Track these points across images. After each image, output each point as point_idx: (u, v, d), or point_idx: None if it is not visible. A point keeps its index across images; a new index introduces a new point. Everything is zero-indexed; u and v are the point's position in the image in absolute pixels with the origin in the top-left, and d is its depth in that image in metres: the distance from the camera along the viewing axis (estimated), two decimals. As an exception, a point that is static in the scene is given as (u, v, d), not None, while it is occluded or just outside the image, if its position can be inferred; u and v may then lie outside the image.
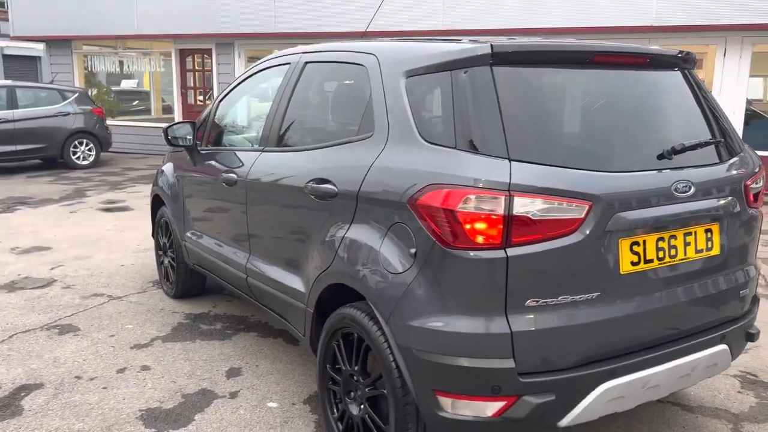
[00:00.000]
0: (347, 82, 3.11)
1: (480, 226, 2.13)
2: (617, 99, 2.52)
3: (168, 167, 4.71)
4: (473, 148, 2.22)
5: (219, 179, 3.74)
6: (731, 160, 2.65)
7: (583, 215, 2.18)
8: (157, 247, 5.07)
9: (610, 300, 2.29)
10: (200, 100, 14.49)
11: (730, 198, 2.56)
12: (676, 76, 2.71)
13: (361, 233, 2.55)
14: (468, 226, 2.14)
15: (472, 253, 2.15)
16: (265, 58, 3.77)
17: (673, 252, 2.41)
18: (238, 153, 3.72)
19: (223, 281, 4.03)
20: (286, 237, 3.12)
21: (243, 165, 3.51)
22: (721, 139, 2.65)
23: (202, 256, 4.15)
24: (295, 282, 3.06)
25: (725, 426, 3.12)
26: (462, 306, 2.20)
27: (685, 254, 2.45)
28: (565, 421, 2.26)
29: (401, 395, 2.37)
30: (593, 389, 2.26)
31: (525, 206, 2.11)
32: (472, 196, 2.13)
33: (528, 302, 2.18)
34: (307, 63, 3.27)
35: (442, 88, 2.40)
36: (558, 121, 2.35)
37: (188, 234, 4.36)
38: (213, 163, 3.94)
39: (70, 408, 3.19)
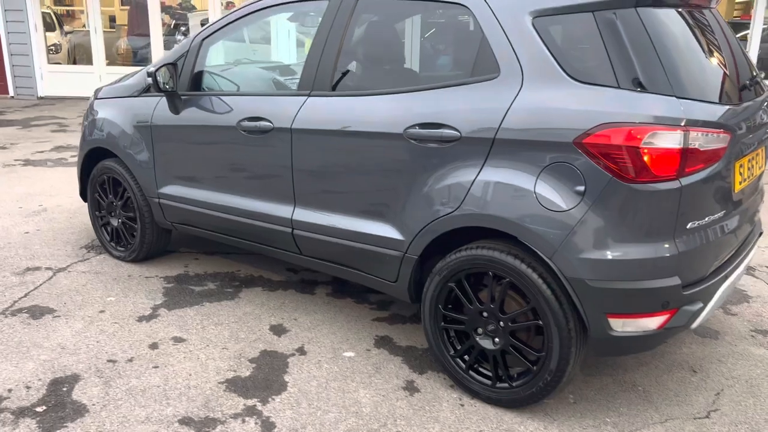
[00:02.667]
0: (439, 22, 3.03)
1: (661, 160, 2.33)
2: (709, 37, 2.81)
3: (114, 115, 4.13)
4: (641, 87, 2.38)
5: (235, 127, 3.42)
6: (766, 90, 3.13)
7: (726, 144, 2.48)
8: (96, 208, 4.47)
9: (728, 216, 2.66)
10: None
11: None
12: (716, 13, 3.07)
13: (501, 175, 2.60)
14: (650, 161, 2.32)
15: (652, 186, 2.36)
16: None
17: (751, 171, 2.84)
18: (261, 98, 3.43)
19: (232, 237, 3.75)
20: (368, 186, 3.02)
21: (279, 111, 3.26)
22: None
23: (196, 213, 3.80)
24: (382, 230, 3.00)
25: (718, 312, 3.76)
26: (637, 235, 2.42)
27: (753, 173, 2.90)
28: (696, 323, 2.62)
29: (564, 323, 2.54)
30: (716, 293, 2.65)
31: (695, 139, 2.36)
32: (655, 133, 2.31)
33: (689, 225, 2.46)
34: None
35: (585, 29, 2.50)
36: (691, 59, 2.57)
37: (165, 190, 3.93)
38: (212, 110, 3.58)
39: (140, 394, 2.85)
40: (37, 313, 3.62)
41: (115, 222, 4.37)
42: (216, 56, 3.80)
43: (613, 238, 2.43)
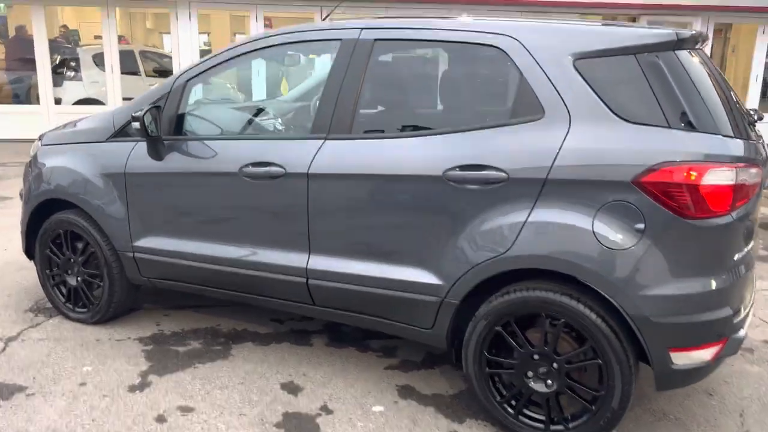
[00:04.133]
0: (469, 63, 2.98)
1: (717, 196, 2.42)
2: (715, 76, 2.93)
3: (73, 162, 3.73)
4: (690, 127, 2.47)
5: (236, 174, 3.19)
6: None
7: (760, 178, 2.62)
8: (47, 266, 3.99)
9: (753, 246, 2.81)
10: None
11: None
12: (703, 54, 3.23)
13: (555, 215, 2.59)
14: (708, 197, 2.41)
15: (709, 221, 2.44)
16: (273, 32, 3.29)
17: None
18: (266, 142, 3.25)
19: (225, 291, 3.49)
20: (399, 231, 2.91)
21: (292, 155, 3.09)
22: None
23: (182, 267, 3.49)
24: (417, 275, 2.90)
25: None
26: (695, 269, 2.49)
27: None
28: (739, 350, 2.72)
29: (626, 360, 2.55)
30: (748, 319, 2.78)
31: (742, 175, 2.47)
32: (713, 170, 2.40)
33: (735, 257, 2.56)
34: (377, 40, 3.01)
35: (628, 70, 2.57)
36: (716, 98, 2.69)
37: (142, 243, 3.59)
38: (204, 155, 3.33)
39: (170, 478, 2.54)
40: (4, 392, 3.15)
41: (73, 281, 3.93)
42: (227, 97, 3.54)
43: (673, 274, 2.48)
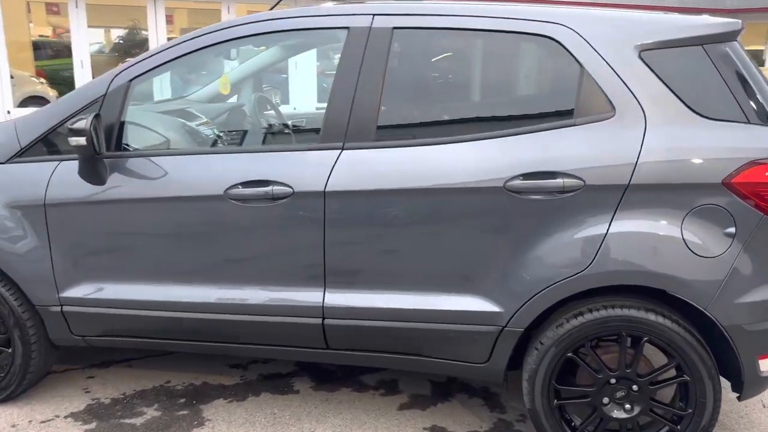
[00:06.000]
0: (515, 57, 2.58)
1: (807, 193, 2.31)
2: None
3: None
4: (768, 121, 2.34)
5: (221, 196, 2.54)
6: None
7: None
8: None
9: None
10: None
11: None
12: None
13: (641, 224, 2.33)
14: (800, 195, 2.30)
15: (803, 220, 2.32)
16: (253, 18, 2.66)
17: None
18: (259, 155, 2.63)
19: (197, 343, 2.80)
20: (447, 253, 2.46)
21: (299, 171, 2.51)
22: None
23: (140, 318, 2.73)
24: (469, 303, 2.49)
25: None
26: (784, 271, 2.37)
27: None
28: None
29: (716, 375, 2.39)
30: None
31: None
32: (804, 167, 2.29)
33: None
34: (396, 29, 2.53)
35: (696, 62, 2.38)
36: None
37: (75, 293, 2.75)
38: (168, 175, 2.61)
39: None
40: None
41: (-39, 350, 2.94)
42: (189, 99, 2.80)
43: (763, 278, 2.35)
